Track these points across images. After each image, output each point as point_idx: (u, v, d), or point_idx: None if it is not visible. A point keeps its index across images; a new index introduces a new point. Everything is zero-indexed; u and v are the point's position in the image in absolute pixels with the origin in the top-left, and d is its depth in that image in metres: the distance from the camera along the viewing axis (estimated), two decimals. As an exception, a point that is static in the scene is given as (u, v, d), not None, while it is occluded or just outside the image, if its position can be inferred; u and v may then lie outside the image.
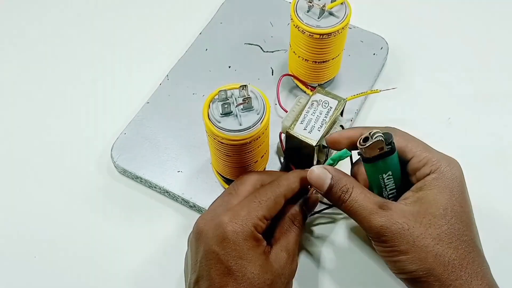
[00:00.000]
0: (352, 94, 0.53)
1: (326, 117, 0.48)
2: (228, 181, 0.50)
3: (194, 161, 0.52)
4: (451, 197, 0.39)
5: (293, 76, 0.55)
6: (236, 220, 0.40)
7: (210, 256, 0.39)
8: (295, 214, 0.44)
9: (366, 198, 0.40)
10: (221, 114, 0.42)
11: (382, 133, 0.39)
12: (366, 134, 0.39)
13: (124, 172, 0.53)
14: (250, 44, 0.60)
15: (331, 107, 0.48)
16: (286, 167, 0.52)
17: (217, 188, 0.51)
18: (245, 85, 0.42)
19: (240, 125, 0.42)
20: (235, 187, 0.44)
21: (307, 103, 0.49)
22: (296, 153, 0.49)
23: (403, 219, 0.38)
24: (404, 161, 0.42)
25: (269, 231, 0.43)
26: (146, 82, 0.59)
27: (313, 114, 0.48)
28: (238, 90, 0.43)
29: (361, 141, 0.40)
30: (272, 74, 0.58)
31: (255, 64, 0.59)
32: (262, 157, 0.47)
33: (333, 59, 0.52)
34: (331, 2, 0.48)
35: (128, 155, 0.53)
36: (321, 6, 0.48)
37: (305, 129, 0.48)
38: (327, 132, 0.48)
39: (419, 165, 0.41)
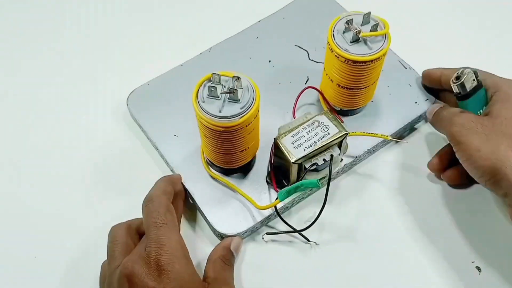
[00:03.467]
0: (373, 131, 0.51)
1: (319, 140, 0.46)
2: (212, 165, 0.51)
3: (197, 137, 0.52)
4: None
5: (320, 92, 0.53)
6: (164, 249, 0.41)
7: None
8: (225, 255, 0.47)
9: (452, 110, 0.50)
10: (207, 95, 0.43)
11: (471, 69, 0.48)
12: (456, 74, 0.48)
13: (133, 119, 0.56)
14: (299, 47, 0.59)
15: (328, 133, 0.47)
16: (269, 173, 0.51)
17: (203, 174, 0.52)
18: (238, 77, 0.42)
19: (220, 112, 0.42)
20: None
21: (308, 120, 0.47)
22: (279, 162, 0.48)
23: (478, 120, 0.46)
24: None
25: None
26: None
27: (308, 132, 0.47)
28: (232, 79, 0.43)
29: (453, 79, 0.48)
30: (306, 83, 0.57)
31: (295, 68, 0.58)
32: (246, 150, 0.47)
33: (362, 88, 0.49)
34: (371, 30, 0.46)
35: (141, 104, 0.55)
36: (357, 32, 0.45)
37: (292, 143, 0.46)
38: (312, 156, 0.46)
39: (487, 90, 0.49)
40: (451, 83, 0.49)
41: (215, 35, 0.61)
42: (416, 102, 0.55)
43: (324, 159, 0.47)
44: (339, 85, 0.49)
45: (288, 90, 0.55)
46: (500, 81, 0.48)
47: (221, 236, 0.49)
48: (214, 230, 0.49)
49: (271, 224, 0.51)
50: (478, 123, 0.46)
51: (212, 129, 0.43)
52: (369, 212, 0.51)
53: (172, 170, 0.52)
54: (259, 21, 0.62)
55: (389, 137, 0.49)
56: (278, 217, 0.48)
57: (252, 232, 0.50)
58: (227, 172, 0.51)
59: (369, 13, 0.46)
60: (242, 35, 0.61)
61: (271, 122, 0.50)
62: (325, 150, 0.47)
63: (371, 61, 0.46)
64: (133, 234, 0.46)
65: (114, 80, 0.61)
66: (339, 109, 0.53)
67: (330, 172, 0.46)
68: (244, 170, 0.51)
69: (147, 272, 0.40)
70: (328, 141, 0.46)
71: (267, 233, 0.49)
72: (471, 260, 0.48)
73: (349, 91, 0.50)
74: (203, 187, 0.50)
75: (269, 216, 0.49)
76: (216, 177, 0.50)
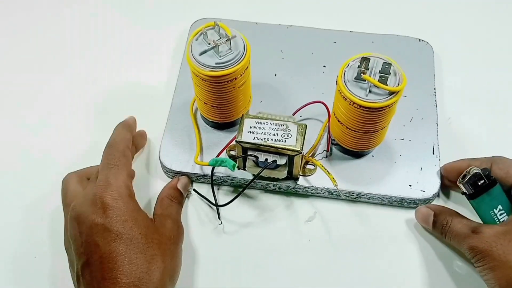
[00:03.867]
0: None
1: (272, 140, 0.46)
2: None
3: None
4: None
5: (327, 108, 0.52)
6: (110, 188, 0.43)
7: (96, 229, 0.41)
8: (172, 193, 0.50)
9: (462, 226, 0.45)
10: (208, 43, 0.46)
11: (480, 169, 0.45)
12: (465, 172, 0.45)
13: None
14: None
15: (285, 141, 0.46)
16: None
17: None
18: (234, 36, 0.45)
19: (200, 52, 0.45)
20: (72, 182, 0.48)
21: (281, 120, 0.47)
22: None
23: (491, 239, 0.42)
24: (508, 189, 0.45)
25: None
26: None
27: (270, 128, 0.47)
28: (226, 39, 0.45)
29: (460, 178, 0.46)
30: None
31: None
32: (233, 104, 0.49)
33: (371, 132, 0.47)
34: (379, 78, 0.44)
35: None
36: (368, 86, 0.44)
37: (251, 127, 0.47)
38: (258, 149, 0.46)
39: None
40: (457, 183, 0.47)
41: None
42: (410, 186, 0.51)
43: (266, 159, 0.47)
44: (350, 129, 0.48)
45: (320, 99, 0.54)
46: None
47: (169, 173, 0.52)
48: (161, 163, 0.52)
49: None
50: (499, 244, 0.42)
51: (194, 73, 0.46)
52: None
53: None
54: (351, 31, 0.61)
55: (337, 184, 0.47)
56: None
57: (192, 182, 0.53)
58: (219, 126, 0.54)
59: (390, 64, 0.44)
60: (323, 32, 0.61)
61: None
62: (273, 152, 0.47)
63: (388, 106, 0.44)
64: (83, 181, 0.48)
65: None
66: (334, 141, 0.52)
67: (258, 173, 0.47)
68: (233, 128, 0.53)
69: (93, 210, 0.42)
70: (278, 146, 0.46)
71: (194, 189, 0.52)
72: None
73: (358, 134, 0.48)
74: (179, 127, 0.54)
75: (204, 175, 0.51)
76: (194, 121, 0.54)
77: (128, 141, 0.49)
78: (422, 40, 0.60)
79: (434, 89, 0.56)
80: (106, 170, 0.45)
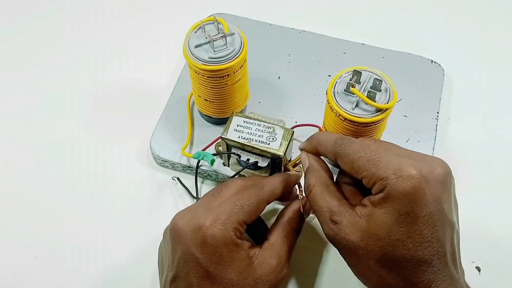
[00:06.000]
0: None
1: (256, 141, 0.46)
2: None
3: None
4: (398, 218, 0.36)
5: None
6: (216, 224, 0.39)
7: (189, 258, 0.38)
8: (295, 219, 0.43)
9: (323, 202, 0.40)
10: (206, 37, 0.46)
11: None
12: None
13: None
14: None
15: (268, 144, 0.46)
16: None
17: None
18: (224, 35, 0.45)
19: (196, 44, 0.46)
20: (218, 189, 0.43)
21: (269, 122, 0.47)
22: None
23: (350, 236, 0.37)
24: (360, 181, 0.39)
25: (257, 233, 0.44)
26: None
27: (257, 129, 0.46)
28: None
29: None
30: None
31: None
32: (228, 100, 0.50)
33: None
34: (368, 93, 0.43)
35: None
36: (356, 100, 0.43)
37: (237, 125, 0.46)
38: (242, 148, 0.46)
39: (370, 185, 0.38)
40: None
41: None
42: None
43: (248, 159, 0.47)
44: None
45: (319, 108, 0.54)
46: (385, 178, 0.36)
47: (157, 159, 0.53)
48: (150, 149, 0.53)
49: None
50: None
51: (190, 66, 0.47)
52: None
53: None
54: (363, 44, 0.60)
55: (301, 197, 0.46)
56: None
57: (175, 170, 0.53)
58: (213, 121, 0.54)
59: (382, 82, 0.43)
60: (335, 41, 0.60)
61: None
62: (257, 153, 0.47)
63: (378, 121, 0.43)
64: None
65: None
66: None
67: (236, 173, 0.47)
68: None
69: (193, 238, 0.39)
70: (261, 148, 0.46)
71: (177, 178, 0.52)
72: (471, 260, 0.48)
73: None
74: (174, 117, 0.55)
75: (190, 166, 0.52)
76: (188, 113, 0.55)
77: (273, 196, 0.43)
78: (435, 62, 0.58)
79: (437, 113, 0.55)
80: (229, 205, 0.40)
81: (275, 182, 0.43)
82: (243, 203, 0.40)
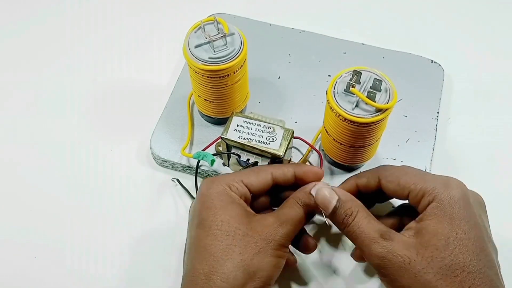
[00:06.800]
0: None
1: (256, 141, 0.46)
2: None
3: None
4: (452, 225, 0.36)
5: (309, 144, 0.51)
6: (213, 181, 0.42)
7: (192, 214, 0.42)
8: (302, 196, 0.42)
9: (369, 225, 0.38)
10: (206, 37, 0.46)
11: None
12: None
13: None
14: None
15: (268, 144, 0.46)
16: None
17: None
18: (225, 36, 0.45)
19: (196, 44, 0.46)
20: None
21: (269, 122, 0.47)
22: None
23: (404, 252, 0.36)
24: (404, 198, 0.41)
25: None
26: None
27: (257, 130, 0.47)
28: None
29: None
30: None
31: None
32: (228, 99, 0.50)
33: (357, 147, 0.47)
34: (368, 93, 0.43)
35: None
36: (356, 100, 0.43)
37: (237, 125, 0.47)
38: (242, 148, 0.47)
39: (417, 198, 0.39)
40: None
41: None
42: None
43: (248, 159, 0.47)
44: (341, 143, 0.47)
45: (318, 108, 0.54)
46: (433, 188, 0.38)
47: (157, 159, 0.53)
48: (150, 149, 0.53)
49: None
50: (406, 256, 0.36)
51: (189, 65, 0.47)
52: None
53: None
54: (363, 44, 0.60)
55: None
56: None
57: (176, 170, 0.53)
58: (213, 122, 0.54)
59: (381, 81, 0.43)
60: (335, 41, 0.60)
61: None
62: (257, 154, 0.47)
63: (378, 121, 0.43)
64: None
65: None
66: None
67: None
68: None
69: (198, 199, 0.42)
70: (261, 148, 0.46)
71: (176, 179, 0.52)
72: None
73: (349, 148, 0.47)
74: (174, 117, 0.55)
75: (190, 166, 0.52)
76: (188, 113, 0.54)
77: (281, 174, 0.43)
78: (435, 62, 0.58)
79: (437, 113, 0.55)
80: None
81: (286, 166, 0.44)
82: (247, 170, 0.43)
